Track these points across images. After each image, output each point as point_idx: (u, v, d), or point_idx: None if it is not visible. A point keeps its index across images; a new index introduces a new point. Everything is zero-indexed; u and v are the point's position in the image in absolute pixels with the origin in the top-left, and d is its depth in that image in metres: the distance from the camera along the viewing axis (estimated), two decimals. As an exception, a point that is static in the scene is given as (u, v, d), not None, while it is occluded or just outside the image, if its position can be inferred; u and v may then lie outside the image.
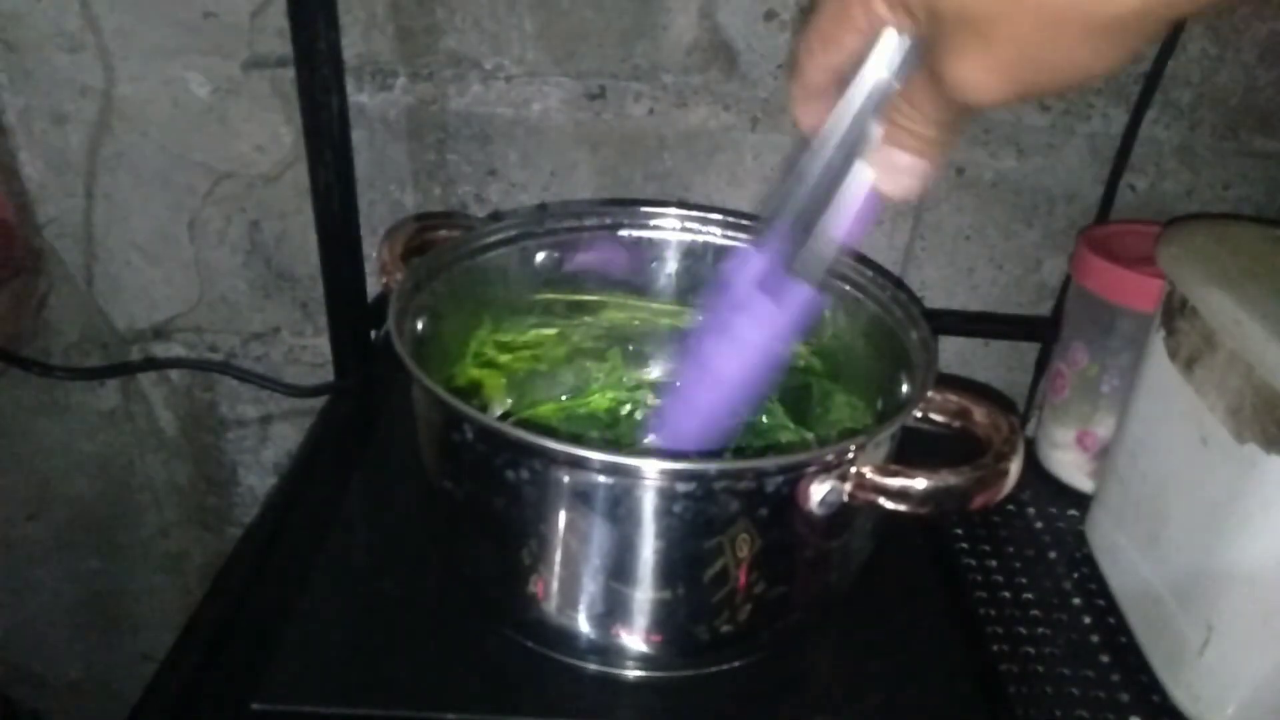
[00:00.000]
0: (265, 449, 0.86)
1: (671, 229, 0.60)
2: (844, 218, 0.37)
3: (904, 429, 0.44)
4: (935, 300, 0.76)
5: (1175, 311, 0.52)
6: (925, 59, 0.31)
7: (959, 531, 0.62)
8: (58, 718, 0.99)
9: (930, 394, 0.45)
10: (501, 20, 0.66)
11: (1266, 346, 0.44)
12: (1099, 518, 0.61)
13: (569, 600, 0.44)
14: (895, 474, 0.40)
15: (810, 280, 0.40)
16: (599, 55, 0.67)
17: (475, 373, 0.57)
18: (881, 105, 0.34)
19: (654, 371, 0.62)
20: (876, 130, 0.35)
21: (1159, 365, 0.54)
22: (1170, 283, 0.53)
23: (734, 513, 0.40)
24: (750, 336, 0.43)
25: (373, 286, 0.70)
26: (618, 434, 0.57)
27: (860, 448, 0.41)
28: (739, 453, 0.54)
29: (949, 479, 0.39)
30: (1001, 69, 0.28)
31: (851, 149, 0.36)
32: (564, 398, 0.60)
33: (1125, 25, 0.26)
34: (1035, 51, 0.27)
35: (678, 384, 0.48)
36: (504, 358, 0.58)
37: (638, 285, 0.60)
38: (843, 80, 0.35)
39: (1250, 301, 0.46)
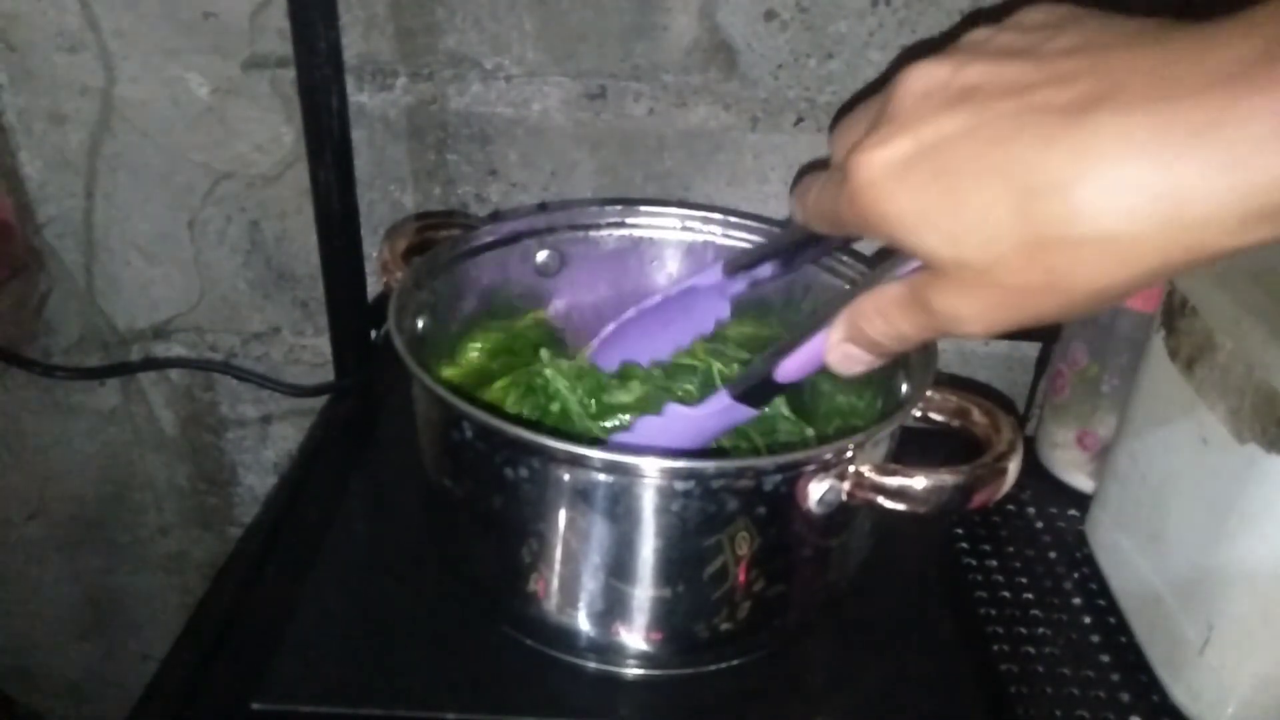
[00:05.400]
0: (265, 449, 0.86)
1: (672, 229, 0.60)
2: (792, 358, 0.38)
3: (903, 428, 0.45)
4: (935, 300, 0.76)
5: (1175, 311, 0.52)
6: (913, 283, 0.30)
7: (959, 531, 0.62)
8: (58, 718, 0.99)
9: (929, 393, 0.45)
10: (501, 20, 0.66)
11: (1266, 346, 0.44)
12: (1099, 518, 0.61)
13: (569, 598, 0.44)
14: (894, 473, 0.40)
15: (743, 398, 0.42)
16: (599, 55, 0.67)
17: (475, 371, 0.57)
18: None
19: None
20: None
21: (1159, 365, 0.54)
22: (1170, 283, 0.53)
23: (733, 511, 0.40)
24: (689, 426, 0.45)
25: (373, 286, 0.70)
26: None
27: (859, 447, 0.41)
28: (741, 437, 0.54)
29: (947, 478, 0.39)
30: (992, 312, 0.27)
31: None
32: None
33: (1123, 293, 0.25)
34: (1032, 304, 0.27)
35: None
36: (504, 356, 0.58)
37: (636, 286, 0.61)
38: None
39: (1250, 301, 0.46)
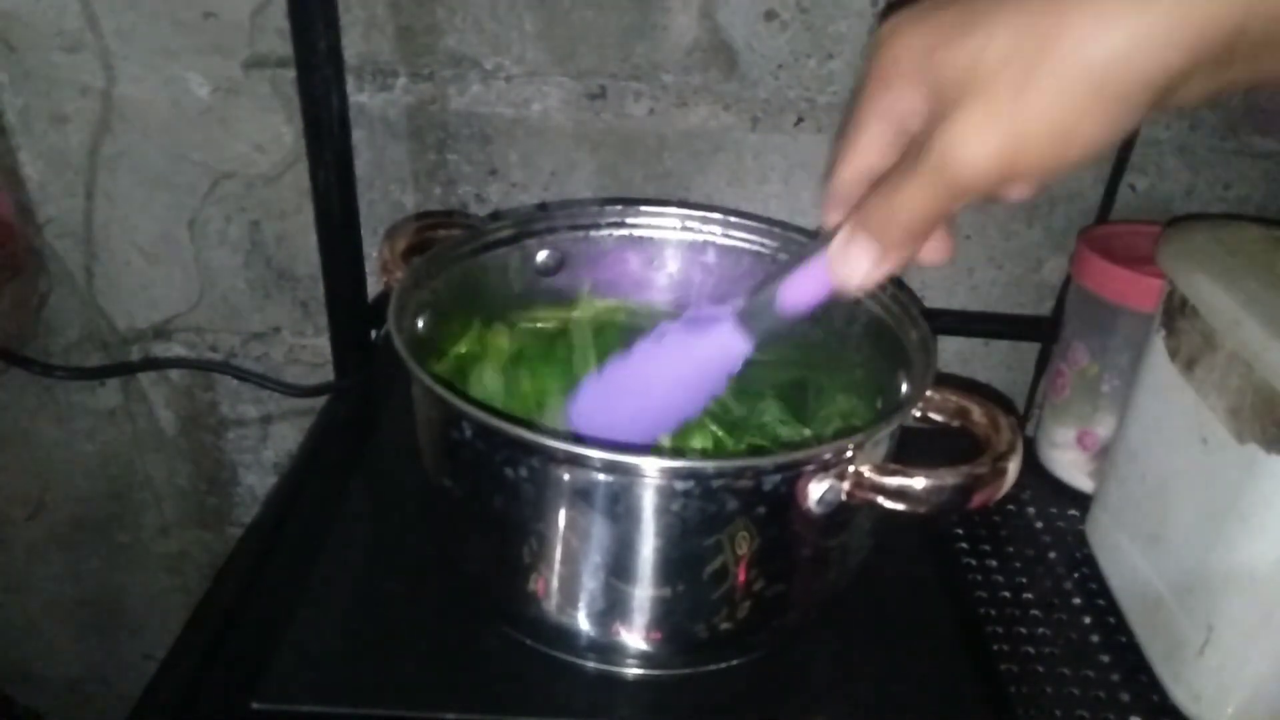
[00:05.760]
0: (265, 449, 0.86)
1: (671, 229, 0.60)
2: (793, 285, 0.38)
3: (903, 428, 0.44)
4: (935, 300, 0.76)
5: (1175, 311, 0.52)
6: (916, 145, 0.31)
7: (959, 531, 0.62)
8: (58, 718, 0.99)
9: (929, 393, 0.45)
10: (502, 20, 0.66)
11: (1266, 346, 0.44)
12: (1099, 518, 0.61)
13: (569, 598, 0.44)
14: (893, 473, 0.40)
15: (744, 326, 0.41)
16: (599, 55, 0.67)
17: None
18: None
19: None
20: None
21: (1159, 365, 0.54)
22: (1170, 283, 0.53)
23: (732, 511, 0.40)
24: (685, 354, 0.44)
25: (373, 286, 0.70)
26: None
27: (858, 446, 0.41)
28: (742, 438, 0.54)
29: (947, 478, 0.39)
30: (999, 136, 0.29)
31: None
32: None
33: (1131, 92, 0.28)
34: (1037, 118, 0.29)
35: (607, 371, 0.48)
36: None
37: (637, 286, 0.60)
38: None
39: (1250, 301, 0.46)
